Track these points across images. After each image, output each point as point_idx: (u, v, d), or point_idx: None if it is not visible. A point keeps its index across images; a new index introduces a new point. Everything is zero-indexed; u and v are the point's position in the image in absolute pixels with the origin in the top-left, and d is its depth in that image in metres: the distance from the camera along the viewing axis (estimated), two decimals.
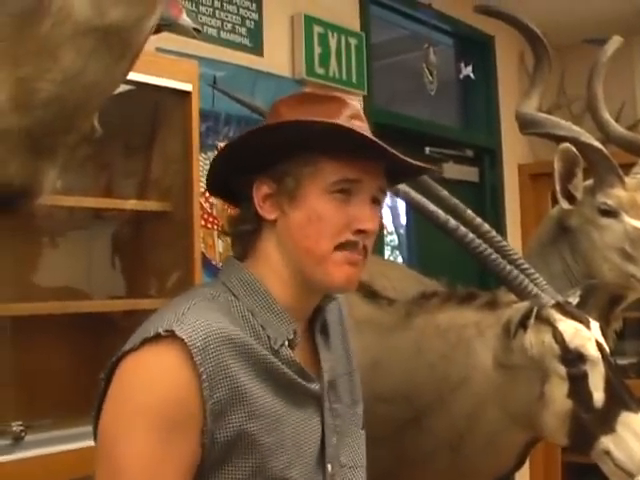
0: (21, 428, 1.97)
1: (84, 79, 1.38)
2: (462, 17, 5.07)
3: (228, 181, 1.53)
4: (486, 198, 5.46)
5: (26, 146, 1.46)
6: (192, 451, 1.31)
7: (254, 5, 3.72)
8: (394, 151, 1.47)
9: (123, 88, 2.23)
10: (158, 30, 2.21)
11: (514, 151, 5.54)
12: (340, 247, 1.43)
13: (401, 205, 5.97)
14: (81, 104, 1.43)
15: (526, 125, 2.79)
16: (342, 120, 1.44)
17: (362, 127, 1.48)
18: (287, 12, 3.95)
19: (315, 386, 1.48)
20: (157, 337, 1.31)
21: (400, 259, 6.02)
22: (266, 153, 1.45)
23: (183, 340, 1.30)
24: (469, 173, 5.44)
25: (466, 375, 2.05)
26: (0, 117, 1.42)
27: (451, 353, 2.09)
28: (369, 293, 2.30)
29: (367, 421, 1.65)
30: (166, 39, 2.64)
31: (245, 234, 1.50)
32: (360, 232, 1.44)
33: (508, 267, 1.96)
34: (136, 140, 2.48)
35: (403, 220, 5.99)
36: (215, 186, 1.58)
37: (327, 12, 4.12)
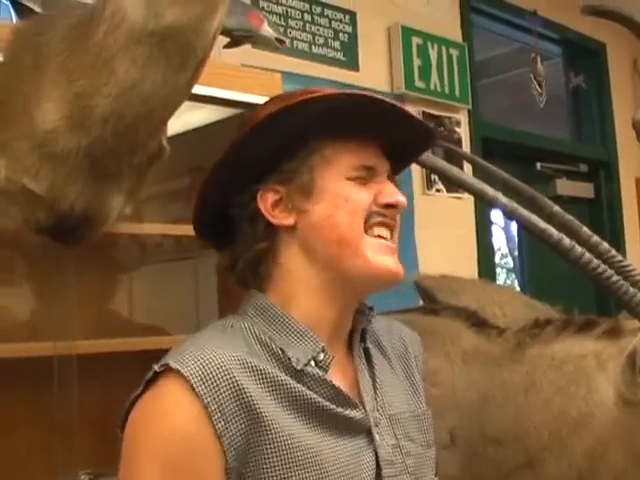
0: (89, 477, 1.90)
1: (142, 91, 1.28)
2: (570, 24, 4.96)
3: (218, 208, 1.41)
4: (603, 215, 5.32)
5: (86, 169, 1.38)
6: None
7: (347, 17, 3.66)
8: (410, 111, 1.41)
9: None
10: (239, 42, 2.13)
11: (631, 164, 5.39)
12: (370, 230, 1.35)
13: (514, 226, 5.86)
14: (142, 120, 1.33)
15: None
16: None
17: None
18: (383, 24, 3.89)
19: (357, 413, 1.35)
20: (155, 376, 1.24)
21: (516, 282, 5.91)
22: (262, 158, 1.35)
23: (179, 372, 1.20)
24: (584, 189, 5.32)
25: (587, 412, 1.89)
26: (56, 137, 1.35)
27: (569, 387, 1.94)
28: (476, 322, 2.17)
29: (474, 466, 1.52)
30: (252, 55, 2.56)
31: (260, 255, 1.38)
32: (388, 206, 1.37)
33: (631, 290, 1.79)
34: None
35: (516, 241, 5.88)
36: (204, 221, 1.46)
37: (426, 22, 4.04)
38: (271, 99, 1.45)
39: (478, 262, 4.26)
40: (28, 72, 1.39)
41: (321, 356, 1.33)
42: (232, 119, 2.26)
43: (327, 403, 1.31)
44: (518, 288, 5.33)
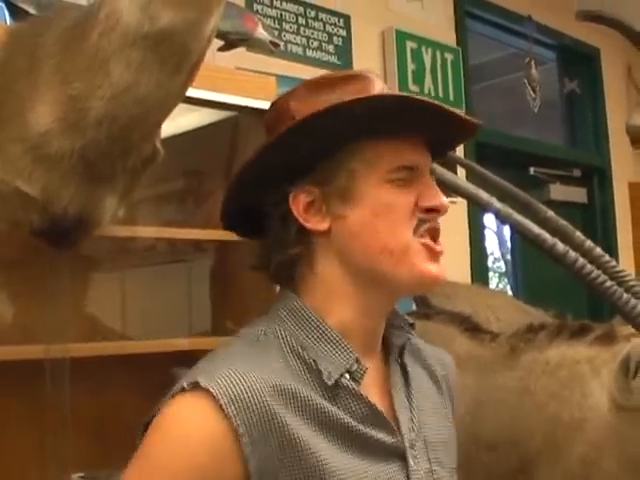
0: (82, 479, 1.89)
1: (136, 94, 1.28)
2: (565, 29, 4.95)
3: (247, 207, 1.35)
4: (596, 220, 5.31)
5: (80, 171, 1.37)
6: None
7: (342, 21, 3.65)
8: (451, 109, 1.33)
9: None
10: (233, 45, 2.13)
11: (624, 169, 5.38)
12: (416, 233, 1.29)
13: (507, 230, 5.87)
14: (136, 122, 1.33)
15: (638, 138, 2.63)
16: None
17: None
18: (377, 27, 3.88)
19: (391, 438, 1.29)
20: (183, 391, 1.18)
21: (508, 287, 5.92)
22: (297, 157, 1.28)
23: (209, 391, 1.15)
24: (577, 194, 5.31)
25: (581, 417, 1.89)
26: (50, 140, 1.34)
27: (563, 392, 1.94)
28: (470, 327, 2.17)
29: (468, 471, 1.51)
30: (246, 58, 2.56)
31: (294, 259, 1.31)
32: (431, 211, 1.31)
33: (625, 295, 1.78)
34: (213, 164, 2.39)
35: (509, 246, 5.89)
36: (231, 217, 1.40)
37: (420, 26, 4.04)
38: (298, 90, 1.36)
39: (471, 266, 4.25)
40: (22, 74, 1.38)
41: (355, 367, 1.27)
42: (226, 122, 2.25)
43: (361, 427, 1.25)
44: (511, 293, 5.33)
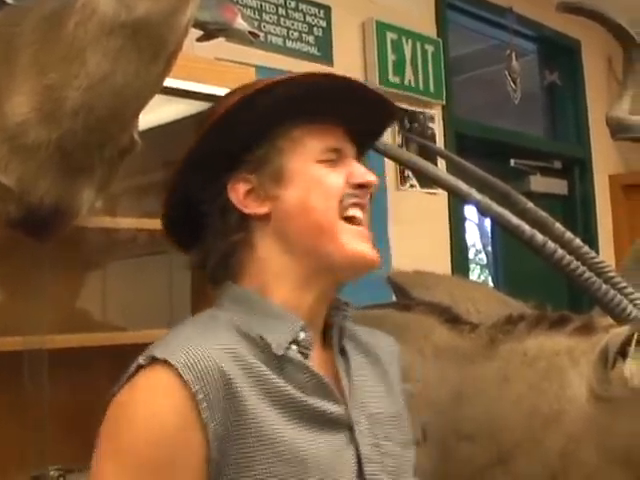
0: (59, 473, 1.88)
1: (113, 84, 1.27)
2: (545, 21, 4.96)
3: (186, 205, 1.40)
4: (576, 212, 5.33)
5: (57, 162, 1.36)
6: None
7: (322, 12, 3.65)
8: (368, 84, 1.44)
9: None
10: (212, 35, 2.11)
11: (605, 161, 5.40)
12: (344, 212, 1.35)
13: (488, 222, 5.88)
14: (113, 112, 1.32)
15: (618, 130, 2.63)
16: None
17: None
18: (357, 18, 3.88)
19: (338, 408, 1.33)
20: (141, 368, 1.22)
21: (489, 278, 5.93)
22: (228, 149, 1.35)
23: (166, 361, 1.19)
24: (557, 185, 5.33)
25: (559, 408, 1.88)
26: (27, 130, 1.33)
27: (541, 383, 1.93)
28: (450, 318, 2.16)
29: (446, 462, 1.51)
30: (226, 48, 2.55)
31: (234, 247, 1.37)
32: (360, 186, 1.37)
33: (604, 286, 1.79)
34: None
35: (490, 237, 5.89)
36: (173, 220, 1.45)
37: (400, 17, 4.03)
38: (232, 91, 1.44)
39: (452, 258, 4.26)
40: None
41: (302, 335, 1.31)
42: (205, 113, 2.25)
43: (308, 397, 1.29)
44: (492, 284, 5.35)
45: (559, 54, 5.38)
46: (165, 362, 1.19)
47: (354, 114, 1.40)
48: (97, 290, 2.36)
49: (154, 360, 1.21)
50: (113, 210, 2.09)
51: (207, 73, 2.10)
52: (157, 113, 2.03)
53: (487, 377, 2.01)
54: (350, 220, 1.36)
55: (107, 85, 1.27)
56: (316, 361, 1.36)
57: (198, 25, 1.98)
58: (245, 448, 1.21)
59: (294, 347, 1.30)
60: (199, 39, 2.10)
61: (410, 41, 4.04)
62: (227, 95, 1.43)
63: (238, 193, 1.35)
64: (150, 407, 1.19)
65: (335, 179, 1.35)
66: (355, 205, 1.37)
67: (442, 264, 4.05)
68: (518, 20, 4.80)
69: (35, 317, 1.97)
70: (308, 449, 1.26)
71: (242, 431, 1.21)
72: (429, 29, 4.25)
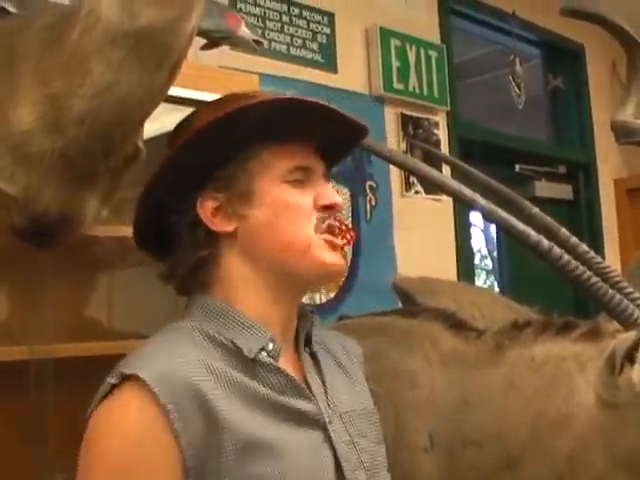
0: None
1: (117, 93, 1.27)
2: (549, 25, 4.96)
3: (157, 218, 1.44)
4: (581, 216, 5.32)
5: (61, 170, 1.37)
6: None
7: (325, 19, 3.65)
8: (338, 109, 1.44)
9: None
10: (216, 44, 2.12)
11: (610, 165, 5.40)
12: (317, 229, 1.40)
13: (493, 228, 5.87)
14: (118, 121, 1.32)
15: (623, 134, 2.63)
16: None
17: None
18: (361, 25, 3.88)
19: (311, 406, 1.38)
20: (112, 388, 1.27)
21: (495, 284, 5.92)
22: (198, 167, 1.38)
23: (135, 376, 1.23)
24: (562, 191, 5.32)
25: (567, 412, 1.87)
26: (30, 139, 1.33)
27: (548, 389, 1.92)
28: (455, 324, 2.16)
29: (454, 468, 1.52)
30: (230, 56, 2.55)
31: (202, 262, 1.41)
32: (326, 208, 1.42)
33: (610, 291, 1.78)
34: None
35: (495, 243, 5.88)
36: (143, 232, 1.50)
37: (404, 24, 4.03)
38: (203, 108, 1.48)
39: (457, 264, 4.26)
40: (2, 73, 1.37)
41: (270, 345, 1.36)
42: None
43: (281, 397, 1.33)
44: (497, 290, 5.34)
45: (563, 59, 5.37)
46: (135, 378, 1.23)
47: (324, 132, 1.43)
48: (104, 298, 2.36)
49: (124, 377, 1.25)
50: (120, 218, 2.09)
51: (211, 81, 2.09)
52: (162, 122, 2.04)
53: (493, 383, 2.00)
54: (324, 232, 1.41)
55: (112, 94, 1.27)
56: (288, 364, 1.41)
57: (202, 33, 1.99)
58: (222, 454, 1.24)
59: (264, 353, 1.34)
60: (203, 47, 2.11)
61: (414, 47, 4.04)
62: (198, 113, 1.47)
63: (206, 210, 1.39)
64: (125, 427, 1.23)
65: (302, 200, 1.39)
66: (327, 228, 1.42)
67: (448, 270, 4.05)
68: (521, 25, 4.79)
69: (41, 326, 1.96)
70: (286, 448, 1.29)
71: (219, 437, 1.24)
72: (433, 35, 4.25)
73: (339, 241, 1.42)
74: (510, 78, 4.73)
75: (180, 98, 1.89)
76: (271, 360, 1.35)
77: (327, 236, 1.40)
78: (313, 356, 1.50)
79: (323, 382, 1.46)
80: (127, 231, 2.15)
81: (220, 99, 1.48)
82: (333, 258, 1.40)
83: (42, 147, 1.33)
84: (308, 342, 1.51)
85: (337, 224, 1.43)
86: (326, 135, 1.44)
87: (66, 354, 1.95)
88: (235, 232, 1.39)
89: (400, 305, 2.55)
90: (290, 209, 1.38)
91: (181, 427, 1.21)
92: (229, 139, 1.36)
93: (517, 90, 4.75)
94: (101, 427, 1.24)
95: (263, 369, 1.34)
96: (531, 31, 4.98)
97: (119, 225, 2.03)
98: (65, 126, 1.31)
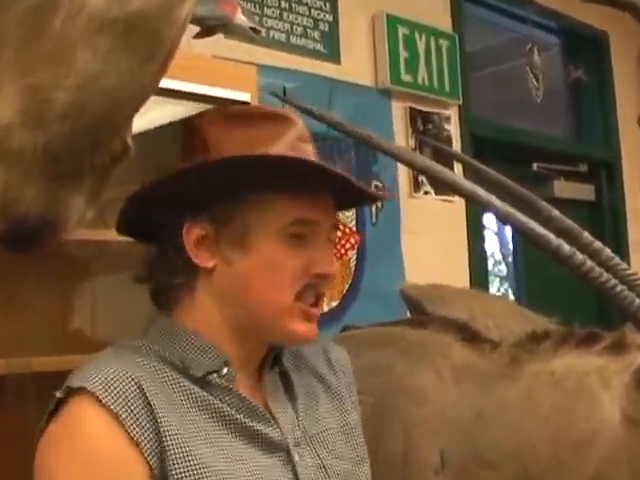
0: None
1: (104, 84, 1.27)
2: (570, 11, 4.96)
3: (145, 220, 1.47)
4: (605, 219, 5.33)
5: (43, 169, 1.36)
6: None
7: (328, 5, 3.66)
8: (357, 182, 1.47)
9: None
10: (210, 32, 2.11)
11: (635, 164, 5.40)
12: (299, 297, 1.40)
13: (508, 231, 5.88)
14: (105, 115, 1.32)
15: None
16: (288, 145, 1.42)
17: (309, 151, 1.46)
18: (367, 12, 3.88)
19: (269, 429, 1.40)
20: (59, 403, 1.29)
21: (510, 291, 5.93)
22: (200, 194, 1.40)
23: (83, 388, 1.26)
24: (584, 191, 5.33)
25: (590, 431, 1.88)
26: (10, 135, 1.33)
27: (570, 405, 1.93)
28: (468, 335, 2.16)
29: None
30: (225, 45, 2.55)
31: (177, 287, 1.43)
32: (319, 276, 1.42)
33: (637, 300, 1.79)
34: None
35: (511, 247, 5.89)
36: (127, 224, 1.53)
37: (413, 10, 4.05)
38: (218, 120, 1.49)
39: (469, 270, 4.26)
40: None
41: (224, 370, 1.37)
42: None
43: (239, 416, 1.35)
44: (512, 298, 5.34)
45: (585, 48, 5.37)
46: (82, 390, 1.25)
47: (333, 186, 1.44)
48: (87, 308, 2.36)
49: (72, 391, 1.27)
50: (103, 221, 2.09)
51: (205, 73, 2.10)
52: (151, 116, 2.04)
53: (510, 399, 2.01)
54: (302, 300, 1.41)
55: (98, 85, 1.27)
56: (246, 388, 1.42)
57: (195, 21, 1.99)
58: (170, 467, 1.26)
59: (215, 375, 1.37)
60: (196, 36, 2.11)
61: (423, 36, 4.05)
62: (213, 125, 1.47)
63: (191, 237, 1.40)
64: (82, 439, 1.25)
65: (294, 263, 1.39)
66: (313, 295, 1.42)
67: (459, 276, 4.06)
68: (540, 11, 4.80)
69: (19, 337, 1.97)
70: (236, 468, 1.31)
71: (167, 449, 1.26)
72: (444, 23, 4.26)
73: (316, 311, 1.43)
74: (527, 69, 4.74)
75: (171, 90, 1.89)
76: (223, 382, 1.37)
77: (305, 306, 1.41)
78: (284, 374, 1.51)
79: (293, 401, 1.48)
80: (112, 235, 2.17)
81: (235, 112, 1.51)
82: (306, 328, 1.42)
83: (23, 143, 1.32)
84: (277, 360, 1.51)
85: (323, 292, 1.44)
86: (336, 188, 1.45)
87: (47, 368, 1.95)
88: (213, 270, 1.40)
89: (408, 314, 2.55)
90: (276, 271, 1.39)
91: (138, 433, 1.24)
92: (236, 179, 1.37)
93: (535, 82, 4.76)
94: (59, 448, 1.26)
95: (215, 390, 1.36)
96: (550, 18, 4.98)
97: (103, 228, 2.03)
98: (48, 120, 1.30)
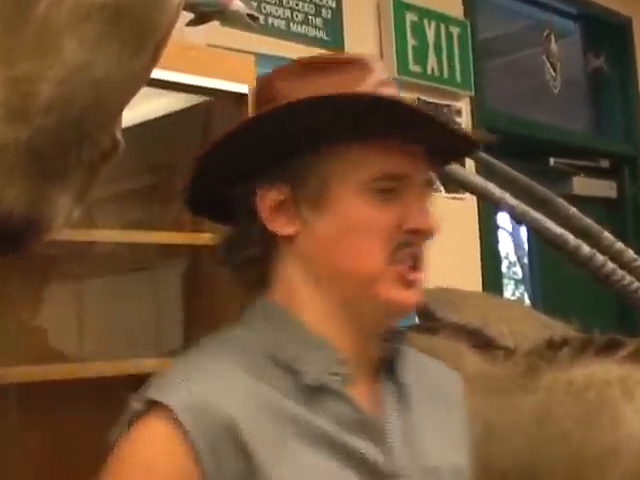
0: None
1: (92, 75, 1.26)
2: None
3: (215, 191, 1.36)
4: (627, 217, 5.35)
5: (27, 165, 1.36)
6: None
7: None
8: (450, 124, 1.35)
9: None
10: (205, 19, 2.12)
11: None
12: (392, 259, 1.27)
13: (523, 231, 5.88)
14: (92, 108, 1.31)
15: None
16: (369, 89, 1.30)
17: (395, 96, 1.35)
18: None
19: (376, 450, 1.27)
20: (136, 414, 1.21)
21: (525, 295, 5.93)
22: (272, 149, 1.29)
23: (163, 404, 1.18)
24: (604, 188, 5.34)
25: (612, 447, 1.88)
26: None
27: (590, 418, 1.93)
28: (480, 342, 2.16)
29: None
30: (221, 34, 2.55)
31: (258, 259, 1.33)
32: (415, 232, 1.30)
33: None
34: (182, 157, 2.39)
35: (526, 248, 5.89)
36: (196, 199, 1.43)
37: None
38: (291, 65, 1.38)
39: (482, 272, 4.26)
40: None
41: (340, 369, 1.27)
42: (197, 108, 2.24)
43: (342, 433, 1.25)
44: (528, 302, 5.35)
45: (606, 35, 5.38)
46: (161, 405, 1.18)
47: (429, 137, 1.32)
48: (73, 313, 2.35)
49: (150, 403, 1.20)
50: (91, 221, 2.09)
51: (199, 62, 2.10)
52: (142, 108, 2.04)
53: (526, 410, 2.01)
54: (401, 263, 1.29)
55: (85, 76, 1.26)
56: (362, 396, 1.31)
57: (189, 7, 1.99)
58: None
59: (327, 378, 1.26)
60: (190, 23, 2.11)
61: (433, 23, 4.05)
62: (283, 78, 1.36)
63: (266, 204, 1.30)
64: (151, 464, 1.19)
65: (384, 220, 1.28)
66: (406, 254, 1.29)
67: (471, 279, 4.06)
68: None
69: (1, 346, 1.97)
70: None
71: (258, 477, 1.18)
72: (455, 9, 4.26)
73: (414, 276, 1.30)
74: (544, 58, 4.74)
75: (163, 81, 1.89)
76: (339, 387, 1.27)
77: (404, 269, 1.29)
78: (400, 388, 1.37)
79: (408, 425, 1.34)
80: (104, 235, 2.17)
81: (307, 61, 1.37)
82: (404, 295, 1.30)
83: (4, 138, 1.32)
84: (393, 371, 1.38)
85: (421, 254, 1.32)
86: (434, 141, 1.33)
87: (31, 378, 1.94)
88: (294, 236, 1.31)
89: (417, 320, 2.55)
90: (361, 229, 1.28)
91: (212, 468, 1.17)
92: (316, 126, 1.26)
93: (552, 72, 4.76)
94: (126, 459, 1.21)
95: (325, 395, 1.26)
96: (569, 3, 4.98)
97: (90, 228, 2.03)
98: (31, 114, 1.30)
